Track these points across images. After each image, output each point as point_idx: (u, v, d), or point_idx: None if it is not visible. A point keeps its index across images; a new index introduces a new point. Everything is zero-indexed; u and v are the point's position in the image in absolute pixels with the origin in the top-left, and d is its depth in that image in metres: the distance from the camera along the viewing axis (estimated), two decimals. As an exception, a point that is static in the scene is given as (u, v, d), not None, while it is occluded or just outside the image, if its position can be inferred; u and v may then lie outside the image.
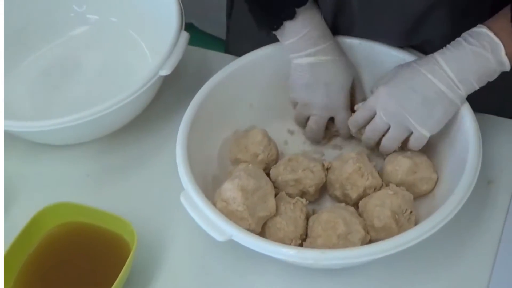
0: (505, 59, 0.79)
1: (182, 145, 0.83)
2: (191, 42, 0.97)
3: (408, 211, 0.81)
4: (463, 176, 0.78)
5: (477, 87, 0.82)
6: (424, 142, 0.84)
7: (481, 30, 0.80)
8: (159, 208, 0.90)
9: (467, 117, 0.83)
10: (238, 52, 0.96)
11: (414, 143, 0.85)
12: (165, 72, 0.91)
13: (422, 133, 0.83)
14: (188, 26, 0.98)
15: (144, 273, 0.84)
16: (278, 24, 0.88)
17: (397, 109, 0.83)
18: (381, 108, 0.84)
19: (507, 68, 0.80)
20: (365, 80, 0.95)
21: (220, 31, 1.15)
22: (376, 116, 0.85)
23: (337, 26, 0.93)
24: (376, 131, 0.87)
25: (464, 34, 0.81)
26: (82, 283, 0.81)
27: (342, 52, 0.92)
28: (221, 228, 0.75)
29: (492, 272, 0.80)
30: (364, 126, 0.88)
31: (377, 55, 0.92)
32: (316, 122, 0.92)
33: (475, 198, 0.78)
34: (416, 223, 0.82)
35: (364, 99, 0.90)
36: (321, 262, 0.74)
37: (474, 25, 0.81)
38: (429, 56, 0.83)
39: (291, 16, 0.87)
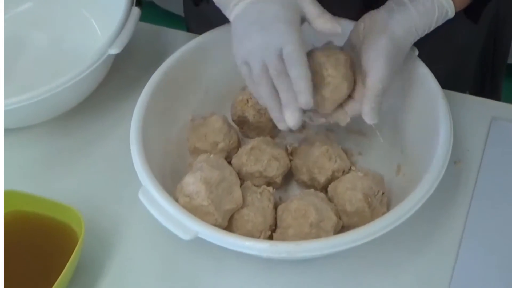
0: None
1: (137, 138, 0.78)
2: (152, 20, 0.92)
3: (380, 193, 0.77)
4: (435, 155, 0.75)
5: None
6: None
7: None
8: (111, 196, 0.85)
9: (436, 93, 0.80)
10: (199, 30, 0.90)
11: None
12: (114, 50, 0.87)
13: None
14: (148, 4, 0.93)
15: (95, 264, 0.79)
16: None
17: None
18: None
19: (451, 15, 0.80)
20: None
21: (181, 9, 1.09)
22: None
23: None
24: None
25: None
26: (28, 274, 0.77)
27: None
28: (186, 226, 0.70)
29: (458, 255, 0.78)
30: None
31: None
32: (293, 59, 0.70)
33: (442, 178, 0.74)
34: (388, 205, 0.78)
35: None
36: (295, 254, 0.69)
37: None
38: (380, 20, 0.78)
39: None
